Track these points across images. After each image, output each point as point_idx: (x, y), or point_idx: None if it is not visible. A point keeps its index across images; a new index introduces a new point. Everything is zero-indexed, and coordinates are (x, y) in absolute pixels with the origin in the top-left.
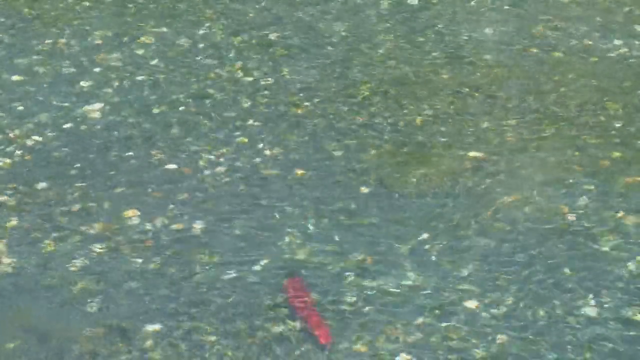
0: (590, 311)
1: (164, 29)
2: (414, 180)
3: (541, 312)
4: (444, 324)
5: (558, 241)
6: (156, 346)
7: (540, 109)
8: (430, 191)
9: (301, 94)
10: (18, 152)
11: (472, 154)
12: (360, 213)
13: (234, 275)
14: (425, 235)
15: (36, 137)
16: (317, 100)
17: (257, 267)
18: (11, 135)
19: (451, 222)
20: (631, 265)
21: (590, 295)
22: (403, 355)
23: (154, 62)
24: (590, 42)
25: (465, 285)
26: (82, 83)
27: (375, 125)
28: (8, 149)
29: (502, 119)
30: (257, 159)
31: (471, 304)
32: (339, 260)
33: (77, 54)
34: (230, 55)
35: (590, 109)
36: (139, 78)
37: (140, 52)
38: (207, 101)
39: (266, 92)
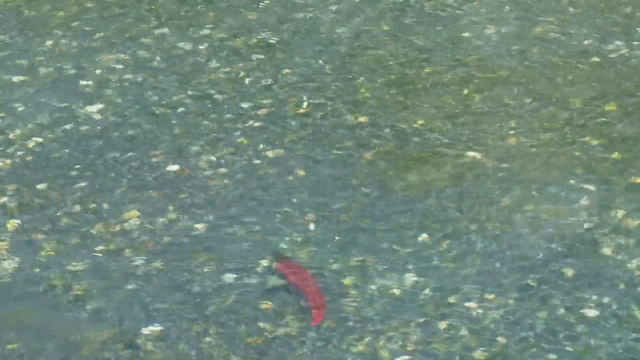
0: (591, 312)
1: (165, 30)
2: (414, 180)
3: (542, 313)
4: (444, 325)
5: (558, 242)
6: (156, 347)
7: (540, 109)
8: (431, 192)
9: (301, 95)
10: (19, 153)
11: (472, 154)
12: (360, 213)
13: (235, 276)
14: (425, 236)
15: (37, 138)
16: (317, 100)
17: (258, 268)
18: (11, 136)
19: (451, 222)
20: (632, 266)
21: (591, 296)
22: (404, 356)
23: (155, 63)
24: (590, 43)
25: (466, 286)
26: (82, 84)
27: (376, 126)
28: (9, 150)
29: (503, 120)
30: (258, 160)
31: (472, 304)
32: (340, 260)
33: (77, 55)
34: (231, 55)
35: (590, 110)
36: (140, 79)
37: (141, 53)
38: (208, 102)
39: (266, 92)
